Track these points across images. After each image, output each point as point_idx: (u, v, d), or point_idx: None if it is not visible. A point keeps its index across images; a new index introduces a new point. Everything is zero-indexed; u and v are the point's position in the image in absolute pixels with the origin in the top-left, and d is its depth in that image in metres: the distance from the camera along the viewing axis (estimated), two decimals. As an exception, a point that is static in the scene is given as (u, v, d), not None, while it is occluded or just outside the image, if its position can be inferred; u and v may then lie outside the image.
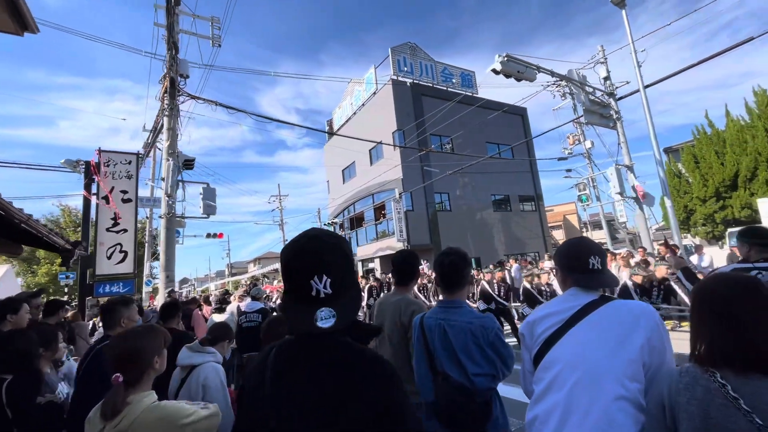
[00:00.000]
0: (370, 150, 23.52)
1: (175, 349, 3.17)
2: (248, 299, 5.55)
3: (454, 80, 23.99)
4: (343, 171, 27.14)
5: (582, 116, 14.80)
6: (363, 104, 24.36)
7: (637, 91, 9.49)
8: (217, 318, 5.16)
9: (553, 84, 20.70)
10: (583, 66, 10.36)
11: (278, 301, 11.61)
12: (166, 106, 8.34)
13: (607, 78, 10.07)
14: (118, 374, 1.28)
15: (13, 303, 3.07)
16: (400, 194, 19.92)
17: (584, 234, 42.83)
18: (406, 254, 2.32)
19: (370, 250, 23.36)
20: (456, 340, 1.61)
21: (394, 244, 20.36)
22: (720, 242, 14.16)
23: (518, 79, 8.48)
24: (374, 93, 23.17)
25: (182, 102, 8.77)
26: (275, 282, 32.53)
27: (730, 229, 13.81)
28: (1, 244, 4.37)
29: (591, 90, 9.68)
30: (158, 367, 1.41)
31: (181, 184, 8.22)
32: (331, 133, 26.14)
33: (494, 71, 8.12)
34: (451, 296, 1.76)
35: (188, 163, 9.14)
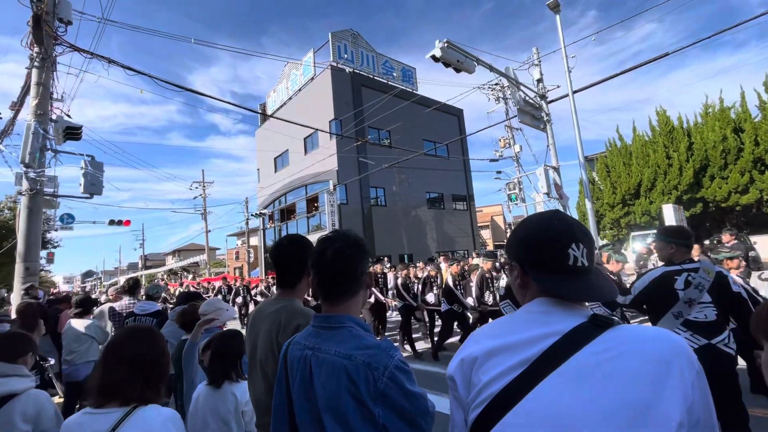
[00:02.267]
0: (305, 138, 22.29)
1: None
2: (126, 299, 4.42)
3: (395, 74, 23.68)
4: (275, 159, 25.47)
5: (514, 117, 15.25)
6: (300, 89, 23.00)
7: (566, 95, 9.79)
8: (78, 324, 3.97)
9: (488, 86, 21.37)
10: (519, 66, 10.47)
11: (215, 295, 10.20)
12: (35, 55, 6.63)
13: (540, 80, 10.28)
14: None
15: None
16: (334, 186, 19.09)
17: (508, 234, 45.70)
18: (290, 241, 1.59)
19: (301, 243, 22.19)
20: (324, 387, 0.94)
21: (325, 238, 19.47)
22: (624, 245, 15.56)
23: (457, 70, 8.18)
24: (312, 78, 21.95)
25: (60, 53, 7.09)
26: (190, 277, 29.73)
27: (633, 233, 15.20)
28: None
29: (524, 92, 9.78)
30: None
31: (54, 154, 6.59)
32: (265, 115, 24.35)
33: (434, 57, 7.70)
34: (332, 308, 1.06)
35: (72, 132, 7.44)
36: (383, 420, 0.87)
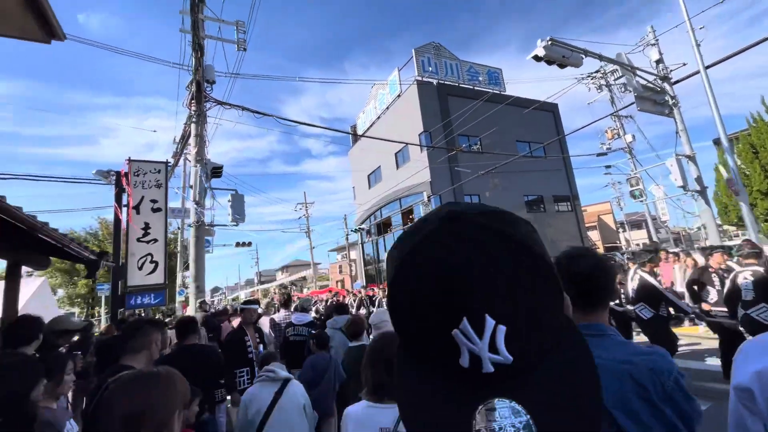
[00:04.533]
0: (395, 153, 23.08)
1: (197, 366, 2.81)
2: (283, 311, 5.12)
3: (480, 78, 23.26)
4: (368, 176, 26.80)
5: (630, 106, 13.79)
6: (387, 107, 23.99)
7: (696, 72, 8.55)
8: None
9: (588, 76, 19.71)
10: (632, 50, 9.48)
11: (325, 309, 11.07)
12: (193, 113, 8.17)
13: (659, 61, 9.15)
14: None
15: (36, 323, 2.72)
16: (428, 197, 19.31)
17: (621, 234, 40.63)
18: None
19: (399, 255, 22.78)
20: (606, 389, 0.99)
21: (424, 249, 19.69)
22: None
23: (562, 66, 7.77)
24: (398, 95, 22.76)
25: (209, 108, 8.60)
26: (305, 290, 32.46)
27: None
28: (25, 256, 4.15)
29: (641, 77, 8.82)
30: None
31: (209, 191, 7.98)
32: (356, 135, 25.93)
33: (536, 58, 7.45)
34: (587, 317, 1.15)
35: (216, 171, 8.94)
36: (672, 418, 0.95)
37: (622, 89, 19.80)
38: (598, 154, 18.59)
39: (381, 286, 15.79)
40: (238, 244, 22.54)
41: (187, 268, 20.08)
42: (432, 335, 0.36)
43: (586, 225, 33.80)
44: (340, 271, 38.57)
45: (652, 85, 8.88)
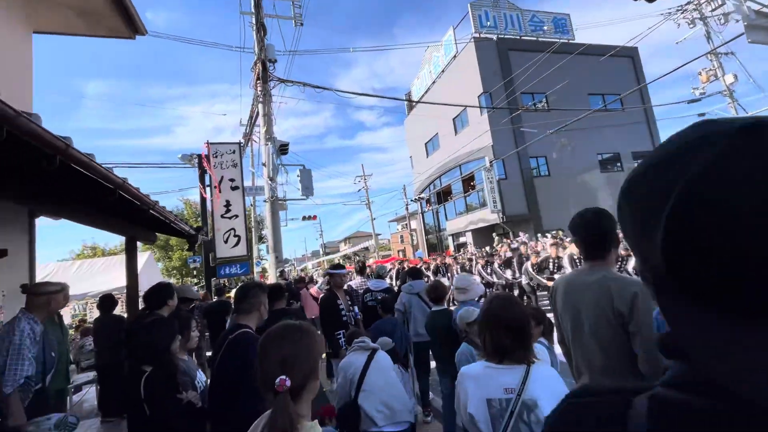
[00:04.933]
0: (453, 119, 22.26)
1: None
2: (359, 278, 5.36)
3: (545, 27, 21.19)
4: (426, 144, 26.31)
5: (733, 40, 11.81)
6: (443, 70, 22.98)
7: (832, -13, 6.96)
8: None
9: (678, 10, 17.04)
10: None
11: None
12: (259, 93, 8.51)
13: (779, -22, 7.57)
14: (285, 377, 0.90)
15: (169, 288, 3.17)
16: (490, 162, 18.53)
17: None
18: (594, 214, 1.64)
19: (461, 223, 22.45)
20: None
21: (487, 216, 19.19)
22: None
23: None
24: (454, 56, 21.63)
25: (273, 86, 8.89)
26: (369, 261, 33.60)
27: None
28: (138, 231, 4.76)
29: (755, 1, 7.39)
30: (316, 382, 1.02)
31: (281, 168, 8.40)
32: (410, 101, 25.37)
33: (620, -6, 6.54)
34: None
35: (283, 148, 9.34)
36: None
37: (722, 21, 16.91)
38: (690, 101, 16.28)
39: (444, 254, 15.77)
40: (304, 218, 23.74)
41: (261, 241, 21.71)
42: None
43: (672, 183, 30.20)
44: (402, 241, 39.16)
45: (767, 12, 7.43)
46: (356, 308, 3.83)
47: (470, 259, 12.01)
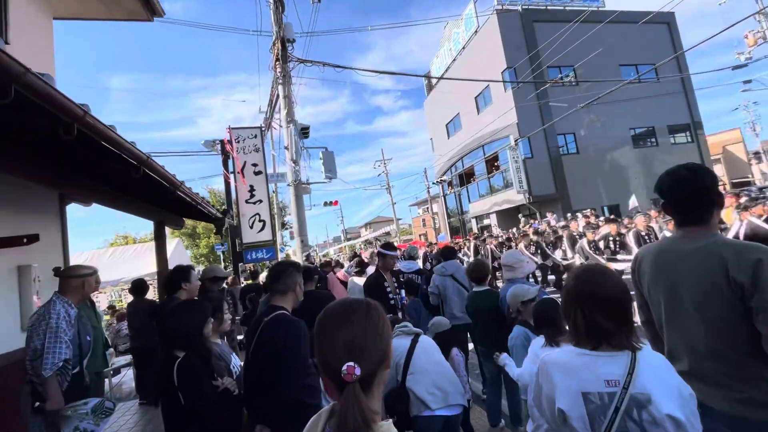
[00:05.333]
0: (476, 97, 21.52)
1: (317, 310, 3.01)
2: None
3: (573, -5, 19.94)
4: (446, 125, 25.66)
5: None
6: (464, 47, 22.12)
7: None
8: (358, 281, 4.91)
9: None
10: None
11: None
12: (278, 74, 8.32)
13: None
14: (354, 364, 0.70)
15: (184, 271, 3.06)
16: (515, 141, 17.86)
17: (755, 167, 33.60)
18: (692, 168, 1.37)
19: (485, 205, 21.94)
20: None
21: (513, 197, 18.62)
22: None
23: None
24: (476, 32, 20.73)
25: (292, 68, 8.67)
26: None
27: None
28: (166, 216, 4.71)
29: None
30: (387, 371, 0.81)
31: (303, 151, 8.25)
32: (430, 78, 24.69)
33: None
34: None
35: (304, 131, 9.18)
36: None
37: (773, -24, 15.43)
38: (734, 67, 15.06)
39: (477, 236, 15.39)
40: (325, 204, 23.83)
41: (284, 228, 21.92)
42: None
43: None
44: (423, 225, 38.89)
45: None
46: (403, 291, 3.55)
47: (483, 240, 11.59)
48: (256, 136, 9.09)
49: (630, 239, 6.06)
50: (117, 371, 5.99)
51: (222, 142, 9.12)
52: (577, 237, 7.72)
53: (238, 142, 8.89)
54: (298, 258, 7.96)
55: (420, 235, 37.76)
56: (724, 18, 20.52)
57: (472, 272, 3.09)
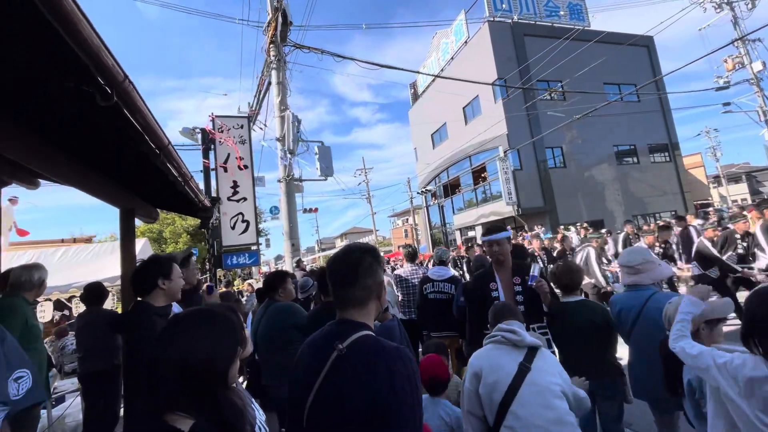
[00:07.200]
0: (464, 108, 21.32)
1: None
2: (408, 266, 4.37)
3: (561, 12, 20.32)
4: (432, 135, 25.33)
5: (754, 31, 11.04)
6: (452, 57, 21.97)
7: None
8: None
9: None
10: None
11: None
12: (272, 58, 7.45)
13: None
14: None
15: (161, 263, 2.09)
16: (505, 152, 17.62)
17: (713, 190, 35.38)
18: None
19: (470, 217, 21.54)
20: None
21: (501, 209, 18.30)
22: None
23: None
24: (466, 42, 20.64)
25: (288, 52, 7.84)
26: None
27: None
28: (137, 205, 3.72)
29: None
30: None
31: (300, 144, 7.36)
32: (431, 76, 24.35)
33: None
34: None
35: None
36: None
37: (749, 5, 16.23)
38: (718, 89, 15.51)
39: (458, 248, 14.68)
40: (305, 211, 22.65)
41: (258, 234, 20.56)
42: None
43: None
44: (406, 235, 38.27)
45: None
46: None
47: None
48: (242, 126, 8.10)
49: (759, 234, 4.82)
50: (61, 399, 4.79)
51: (203, 130, 8.08)
52: (688, 240, 5.98)
53: (222, 132, 7.89)
54: (287, 264, 7.00)
55: (399, 246, 37.05)
56: (704, 44, 21.52)
57: (562, 277, 2.34)
